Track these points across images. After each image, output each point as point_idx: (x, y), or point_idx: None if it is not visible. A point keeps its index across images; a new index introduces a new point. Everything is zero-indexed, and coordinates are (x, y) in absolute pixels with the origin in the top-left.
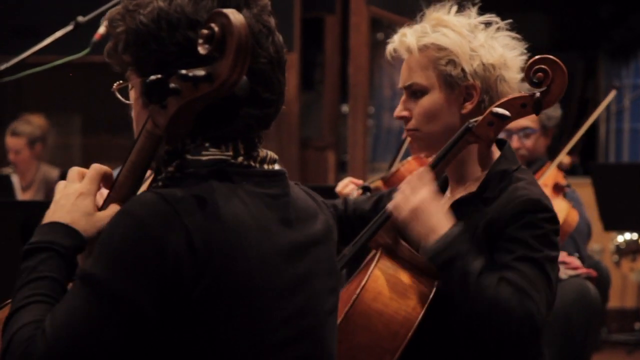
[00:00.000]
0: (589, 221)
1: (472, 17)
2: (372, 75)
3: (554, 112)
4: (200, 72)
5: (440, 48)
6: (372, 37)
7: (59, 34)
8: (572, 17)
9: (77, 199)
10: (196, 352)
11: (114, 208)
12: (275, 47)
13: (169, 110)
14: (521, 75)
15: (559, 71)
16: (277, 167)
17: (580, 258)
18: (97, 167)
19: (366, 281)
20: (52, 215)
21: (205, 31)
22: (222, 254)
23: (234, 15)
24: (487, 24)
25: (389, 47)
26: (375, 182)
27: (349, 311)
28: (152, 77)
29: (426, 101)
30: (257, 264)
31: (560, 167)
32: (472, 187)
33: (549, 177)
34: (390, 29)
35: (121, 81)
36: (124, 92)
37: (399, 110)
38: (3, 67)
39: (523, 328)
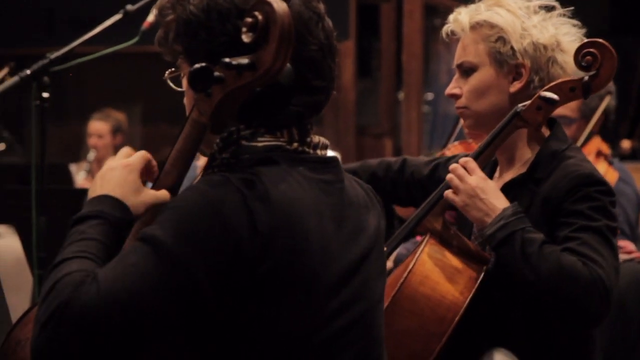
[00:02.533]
0: None
1: (532, 0)
2: (429, 62)
3: (599, 102)
4: (244, 60)
5: (492, 25)
6: (428, 23)
7: (107, 23)
8: (632, 0)
9: (122, 170)
10: (256, 334)
11: (163, 192)
12: (325, 34)
13: (213, 98)
14: None
15: (608, 55)
16: (329, 153)
17: (630, 225)
18: (143, 152)
19: (413, 265)
20: (102, 188)
21: (249, 19)
22: (284, 237)
23: (278, 4)
24: (548, 9)
25: (445, 28)
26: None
27: (396, 295)
28: (197, 66)
29: (475, 78)
30: (316, 248)
31: (621, 152)
32: (522, 169)
33: (592, 145)
34: (448, 15)
35: (173, 69)
36: (177, 80)
37: (450, 88)
38: (53, 56)
39: (592, 293)
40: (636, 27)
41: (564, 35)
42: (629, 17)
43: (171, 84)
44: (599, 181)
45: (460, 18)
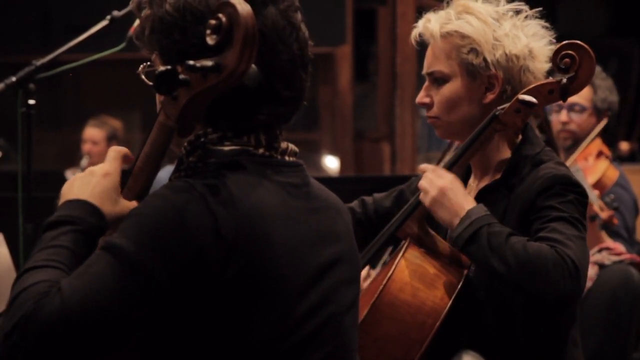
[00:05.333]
0: (637, 197)
1: (500, 4)
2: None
3: (610, 96)
4: (208, 63)
5: (463, 36)
6: None
7: (94, 29)
8: (630, 2)
9: (102, 179)
10: (224, 339)
11: (135, 203)
12: (298, 45)
13: (179, 101)
14: (549, 65)
15: (586, 57)
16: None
17: (628, 230)
18: (115, 148)
19: (393, 271)
20: (79, 192)
21: (212, 21)
22: (249, 241)
23: (241, 5)
24: (516, 12)
25: (414, 32)
26: None
27: (376, 302)
28: (162, 69)
29: (447, 89)
30: (283, 251)
31: (619, 154)
32: (496, 175)
33: (593, 146)
34: None
35: (148, 63)
36: (151, 75)
37: (421, 97)
38: (39, 63)
39: (562, 270)
40: (633, 29)
41: (535, 40)
42: (626, 19)
43: (144, 79)
44: (573, 182)
45: (430, 26)
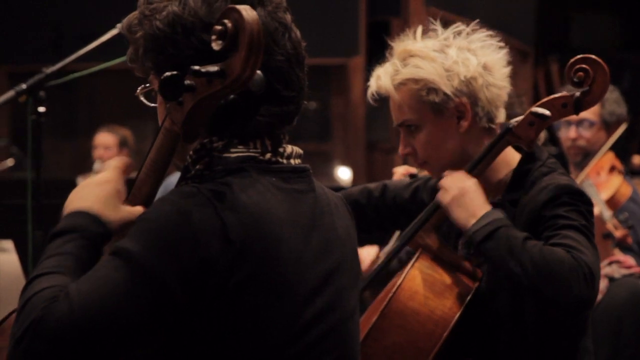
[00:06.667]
0: None
1: (438, 34)
2: None
3: (618, 108)
4: (214, 68)
5: (416, 80)
6: None
7: (103, 38)
8: None
9: (101, 186)
10: (231, 344)
11: (138, 208)
12: (292, 44)
13: (185, 106)
14: (507, 68)
15: (600, 71)
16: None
17: (639, 245)
18: (116, 159)
19: (403, 280)
20: (78, 202)
21: (218, 27)
22: (256, 246)
23: (246, 11)
24: (458, 34)
25: (369, 92)
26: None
27: (385, 309)
28: (167, 74)
29: (423, 136)
30: (290, 257)
31: (631, 168)
32: (497, 195)
33: (605, 160)
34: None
35: (146, 85)
36: (149, 96)
37: (402, 149)
38: (49, 70)
39: (577, 274)
40: None
41: (485, 54)
42: (639, 33)
43: (144, 100)
44: (576, 191)
45: (381, 83)
